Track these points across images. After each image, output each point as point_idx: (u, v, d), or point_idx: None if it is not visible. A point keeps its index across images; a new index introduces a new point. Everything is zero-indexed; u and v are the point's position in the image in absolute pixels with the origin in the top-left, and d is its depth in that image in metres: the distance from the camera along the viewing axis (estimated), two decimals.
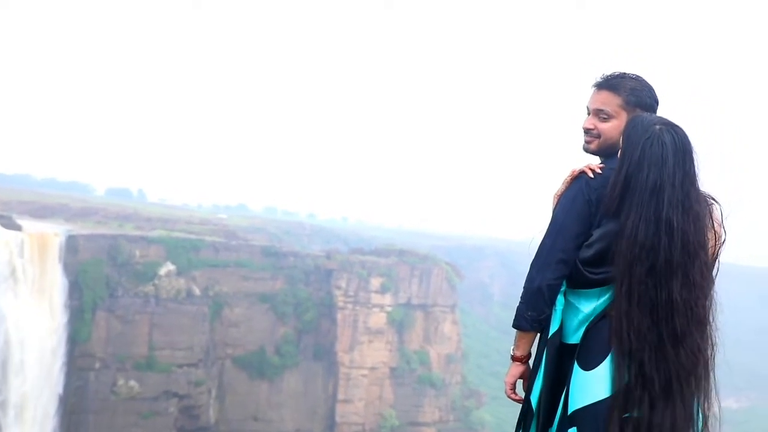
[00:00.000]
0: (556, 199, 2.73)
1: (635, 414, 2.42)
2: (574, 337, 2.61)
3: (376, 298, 46.16)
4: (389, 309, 46.72)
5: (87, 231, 41.17)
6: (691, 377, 2.44)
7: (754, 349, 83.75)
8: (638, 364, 2.44)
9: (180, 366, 39.13)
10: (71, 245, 38.65)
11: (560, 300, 2.65)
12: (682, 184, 2.49)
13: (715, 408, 2.53)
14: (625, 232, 2.48)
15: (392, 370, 46.40)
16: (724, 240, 2.65)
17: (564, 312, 2.65)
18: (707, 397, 2.51)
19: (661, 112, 2.76)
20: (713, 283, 2.56)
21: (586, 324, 2.59)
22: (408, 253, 50.46)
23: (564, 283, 2.65)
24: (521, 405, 2.73)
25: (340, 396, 44.26)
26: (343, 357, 44.54)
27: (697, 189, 2.54)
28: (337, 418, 44.02)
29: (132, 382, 37.80)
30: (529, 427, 2.67)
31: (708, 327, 2.52)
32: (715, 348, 2.53)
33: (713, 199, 2.63)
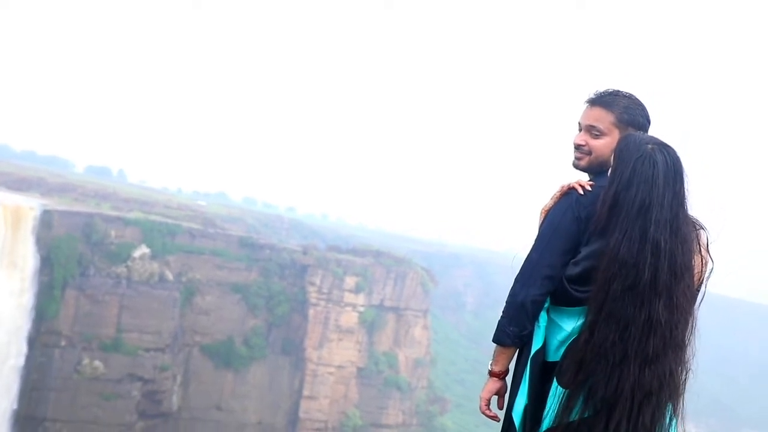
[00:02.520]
0: (543, 214, 2.68)
1: (582, 428, 2.38)
2: (555, 355, 2.57)
3: (349, 297, 46.14)
4: (361, 309, 46.72)
5: (63, 207, 40.71)
6: (652, 398, 2.38)
7: (715, 376, 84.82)
8: (586, 376, 2.40)
9: (147, 350, 38.82)
10: (46, 220, 38.19)
11: (543, 317, 2.60)
12: (671, 205, 2.45)
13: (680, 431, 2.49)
14: (607, 249, 2.44)
15: (359, 370, 46.41)
16: (712, 267, 2.61)
17: (546, 329, 2.60)
18: (678, 421, 2.46)
19: (652, 130, 2.74)
20: (694, 307, 2.52)
21: (568, 343, 2.54)
22: (385, 255, 50.49)
23: (547, 299, 2.60)
24: (501, 423, 2.66)
25: (305, 392, 44.18)
26: (311, 353, 44.46)
27: (685, 211, 2.50)
28: (301, 414, 43.93)
29: (97, 363, 37.43)
30: None
31: (684, 351, 2.47)
32: (688, 373, 2.48)
33: (700, 226, 2.59)
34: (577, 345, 2.46)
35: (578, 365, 2.42)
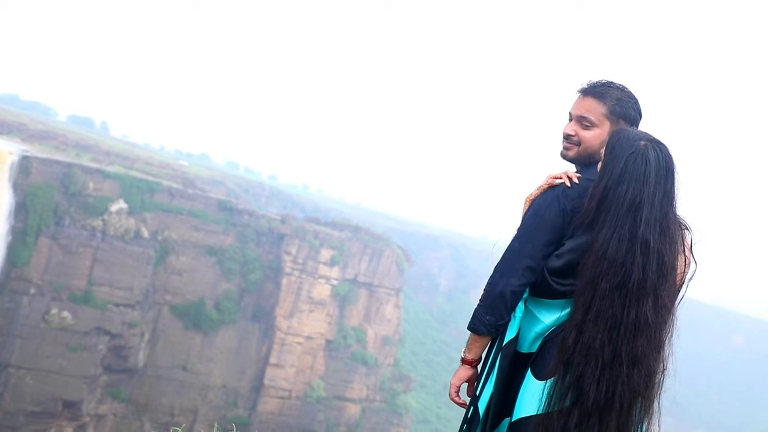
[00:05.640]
0: (528, 204, 2.62)
1: (576, 430, 2.34)
2: (531, 347, 2.53)
3: (323, 270, 46.19)
4: (335, 282, 46.82)
5: (43, 154, 40.15)
6: (638, 399, 2.38)
7: (674, 377, 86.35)
8: (576, 378, 2.36)
9: (116, 305, 38.64)
10: (24, 166, 37.68)
11: (520, 307, 2.55)
12: (661, 204, 2.41)
13: (654, 430, 2.49)
14: (595, 245, 2.40)
15: (328, 342, 46.61)
16: (695, 269, 2.58)
17: (522, 320, 2.56)
18: (651, 421, 2.46)
19: (642, 125, 2.68)
20: (675, 307, 2.50)
21: (545, 335, 2.51)
22: (363, 231, 50.52)
23: (526, 290, 2.56)
24: (465, 409, 2.62)
25: (272, 360, 44.33)
26: (281, 322, 44.56)
27: (674, 210, 2.47)
28: (266, 381, 44.11)
29: (65, 313, 37.20)
30: None
31: (664, 351, 2.47)
32: (665, 373, 2.48)
33: (686, 226, 2.56)
34: (564, 344, 2.41)
35: (566, 365, 2.38)
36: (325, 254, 46.18)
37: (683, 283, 2.58)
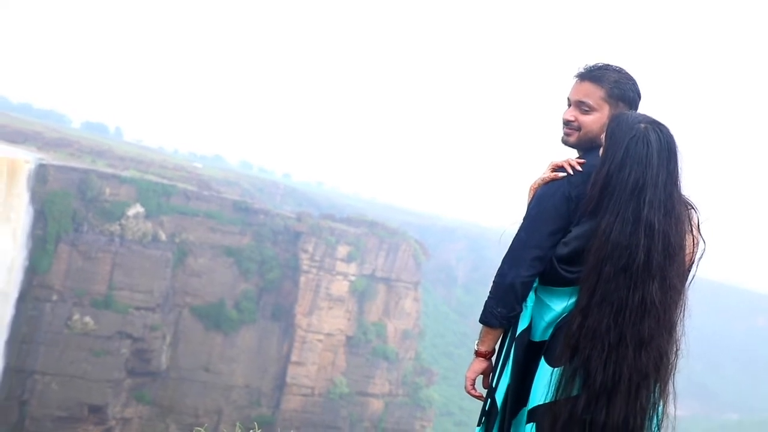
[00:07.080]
0: (532, 192, 2.60)
1: (585, 414, 2.34)
2: (543, 335, 2.52)
3: (341, 266, 46.25)
4: (353, 278, 46.87)
5: (59, 162, 40.51)
6: (648, 381, 2.36)
7: (698, 360, 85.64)
8: (583, 361, 2.35)
9: (137, 308, 38.96)
10: (41, 174, 38.04)
11: (531, 297, 2.55)
12: (665, 185, 2.40)
13: (671, 411, 2.47)
14: (599, 230, 2.39)
15: (348, 338, 46.71)
16: (704, 248, 2.56)
17: (533, 309, 2.55)
18: (666, 402, 2.44)
19: (647, 109, 2.65)
20: (685, 287, 2.49)
21: (556, 323, 2.50)
22: (379, 226, 50.51)
23: (536, 280, 2.55)
24: (483, 402, 2.62)
25: (294, 358, 44.51)
26: (301, 320, 44.70)
27: (679, 190, 2.45)
28: (288, 379, 44.30)
29: (87, 319, 37.57)
30: (493, 425, 2.57)
31: (675, 332, 2.45)
32: (678, 353, 2.46)
33: (692, 205, 2.54)
34: (569, 329, 2.41)
35: (573, 350, 2.38)
36: (342, 251, 46.23)
37: (693, 263, 2.56)
